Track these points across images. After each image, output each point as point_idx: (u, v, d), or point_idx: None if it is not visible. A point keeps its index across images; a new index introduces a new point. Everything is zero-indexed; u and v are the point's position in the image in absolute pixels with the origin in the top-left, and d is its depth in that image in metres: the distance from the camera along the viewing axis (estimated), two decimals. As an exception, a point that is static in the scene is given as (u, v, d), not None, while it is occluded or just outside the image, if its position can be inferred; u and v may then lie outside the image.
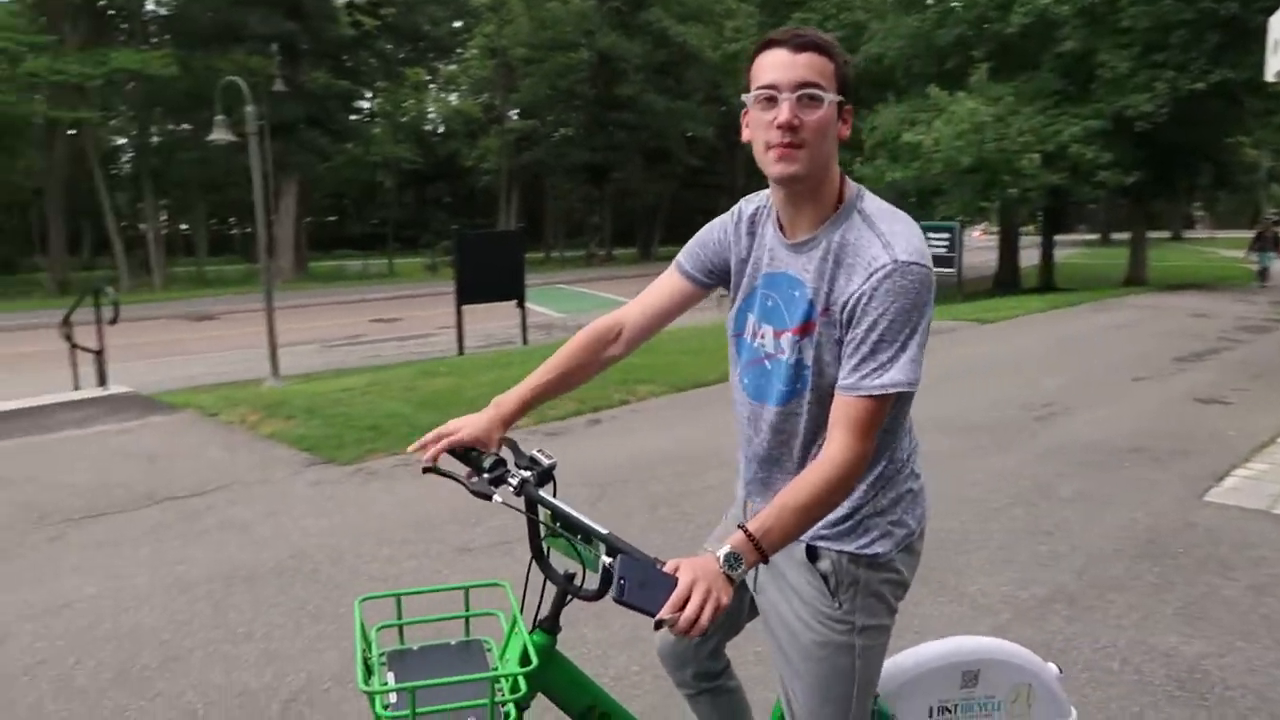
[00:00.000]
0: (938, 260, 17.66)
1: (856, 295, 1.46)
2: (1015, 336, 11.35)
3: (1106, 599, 3.64)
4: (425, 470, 1.64)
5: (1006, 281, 23.69)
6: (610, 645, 3.30)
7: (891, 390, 1.44)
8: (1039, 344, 10.54)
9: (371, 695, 1.47)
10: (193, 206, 39.25)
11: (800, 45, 1.47)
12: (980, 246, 33.75)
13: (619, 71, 36.42)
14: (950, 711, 1.92)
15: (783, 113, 1.46)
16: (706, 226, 1.77)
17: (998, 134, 17.44)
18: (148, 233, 30.92)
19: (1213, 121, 19.49)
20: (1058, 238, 25.83)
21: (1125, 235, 26.79)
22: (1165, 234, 54.62)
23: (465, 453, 1.66)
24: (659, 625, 1.34)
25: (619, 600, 1.36)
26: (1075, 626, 3.42)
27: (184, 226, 45.42)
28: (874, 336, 1.44)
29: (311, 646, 3.28)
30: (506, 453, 1.68)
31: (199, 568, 4.05)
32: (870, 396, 1.45)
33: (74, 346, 8.66)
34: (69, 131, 25.64)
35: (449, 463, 1.67)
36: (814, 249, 1.53)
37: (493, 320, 13.76)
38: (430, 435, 1.67)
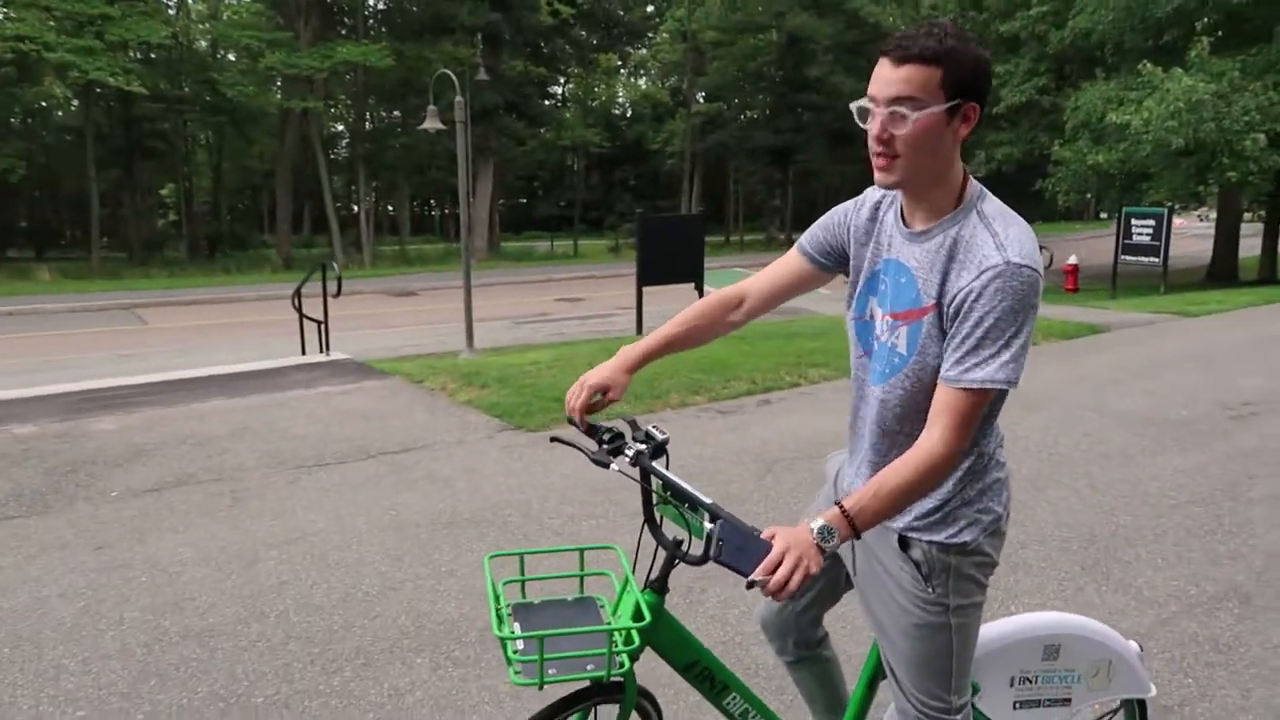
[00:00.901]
0: (1141, 249, 16.72)
1: (966, 290, 1.53)
2: (1220, 331, 10.60)
3: (1284, 601, 3.55)
4: (552, 440, 1.85)
5: (1221, 273, 21.89)
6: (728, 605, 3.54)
7: (991, 386, 1.52)
8: (1246, 340, 9.82)
9: (504, 641, 1.66)
10: (398, 188, 42.04)
11: (902, 57, 1.51)
12: (1196, 234, 31.20)
13: (808, 52, 35.96)
14: (1031, 682, 2.01)
15: (874, 126, 1.55)
16: (832, 210, 1.85)
17: (1217, 112, 16.12)
18: (359, 213, 33.43)
19: None
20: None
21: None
22: None
23: (592, 428, 1.86)
24: (750, 585, 1.46)
25: (716, 559, 1.52)
26: (1245, 625, 3.37)
27: (390, 207, 48.67)
28: (979, 332, 1.51)
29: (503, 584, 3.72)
30: (627, 428, 1.86)
31: (408, 513, 4.61)
32: (970, 389, 1.53)
33: (303, 317, 9.69)
34: (301, 115, 28.04)
35: (579, 438, 1.90)
36: (929, 240, 1.62)
37: (672, 301, 14.16)
38: (570, 393, 1.86)
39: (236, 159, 40.93)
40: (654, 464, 1.78)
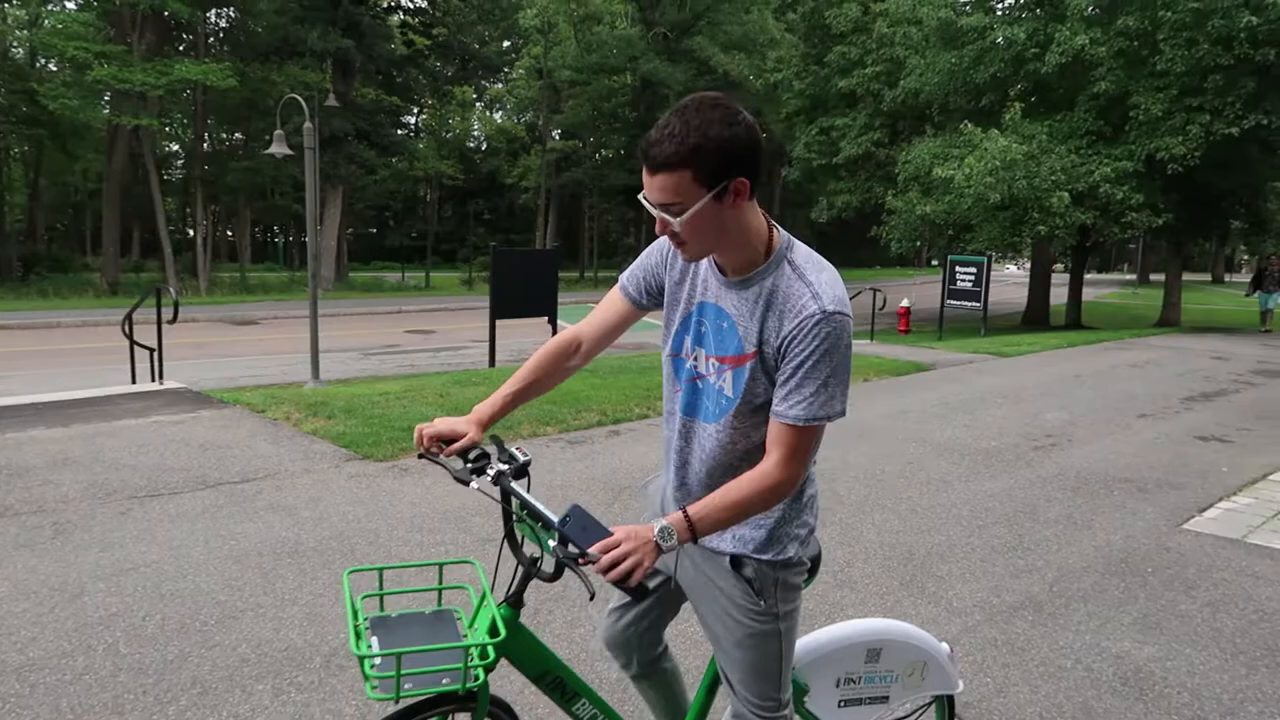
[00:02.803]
0: (965, 294, 18.01)
1: (788, 338, 1.68)
2: (1030, 371, 11.60)
3: (1070, 608, 3.97)
4: (420, 456, 1.93)
5: (1036, 318, 23.83)
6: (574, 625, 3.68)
7: (816, 422, 1.70)
8: (1052, 379, 10.78)
9: (361, 658, 1.70)
10: (238, 213, 40.35)
11: (653, 167, 1.61)
12: (1017, 281, 33.78)
13: (661, 96, 37.02)
14: (855, 682, 2.23)
15: (658, 225, 1.68)
16: (647, 250, 1.96)
17: (1028, 171, 17.69)
18: (195, 238, 31.87)
19: (1248, 166, 19.59)
20: (1096, 277, 25.96)
21: (1163, 276, 26.77)
22: (1206, 276, 54.22)
23: (464, 451, 1.91)
24: (588, 561, 1.59)
25: (561, 531, 1.66)
26: (1038, 630, 3.75)
27: (229, 233, 46.60)
28: (800, 374, 1.67)
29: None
30: (493, 449, 1.93)
31: (249, 542, 4.49)
32: (799, 425, 1.69)
33: (133, 343, 9.21)
34: (132, 133, 26.57)
35: (446, 459, 1.95)
36: (747, 290, 1.74)
37: (524, 336, 14.22)
38: (419, 430, 1.93)
39: (56, 175, 38.26)
40: (515, 484, 1.86)
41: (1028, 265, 27.17)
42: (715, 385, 1.81)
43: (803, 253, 1.76)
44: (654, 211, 1.67)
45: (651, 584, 1.64)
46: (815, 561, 1.99)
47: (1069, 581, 4.27)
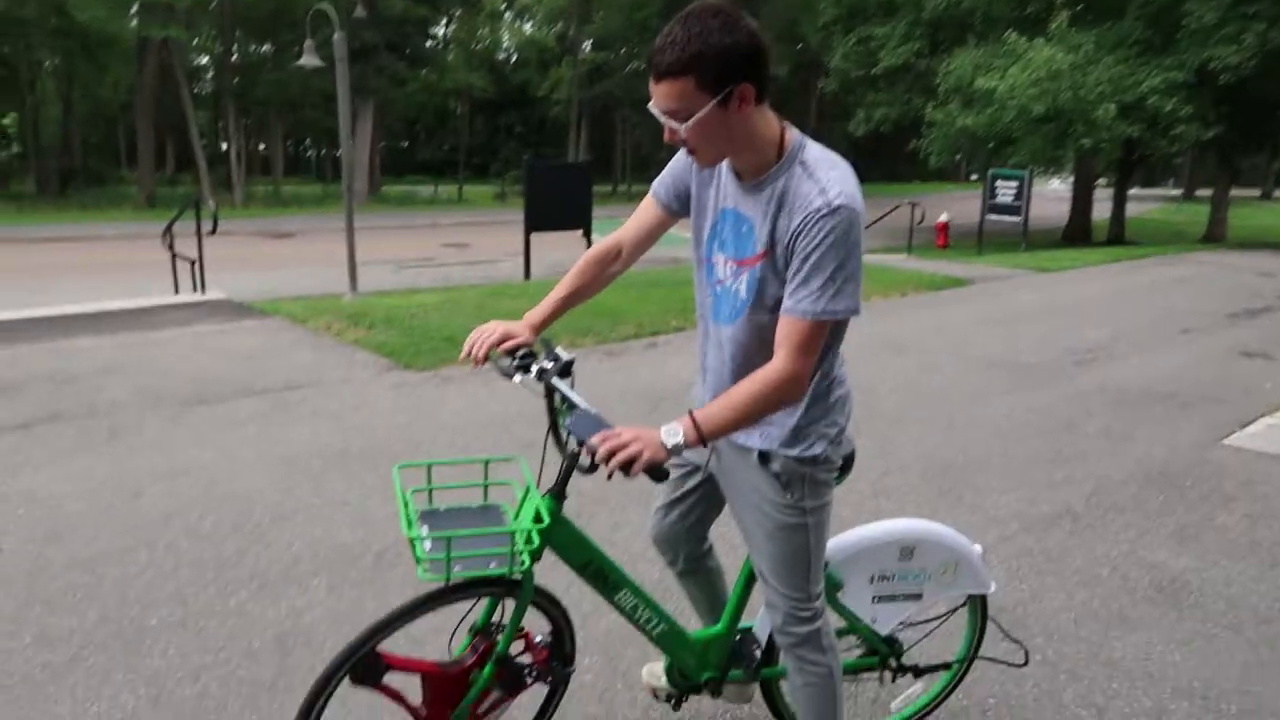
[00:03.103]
0: (1005, 208, 17.64)
1: (795, 233, 1.68)
2: (1071, 286, 11.42)
3: (1108, 519, 3.99)
4: (469, 356, 2.00)
5: (1076, 233, 23.35)
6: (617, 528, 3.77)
7: (824, 317, 1.70)
8: (1094, 294, 10.62)
9: (413, 540, 1.78)
10: (270, 127, 40.19)
11: (658, 75, 1.64)
12: (1058, 197, 33.01)
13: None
14: (888, 579, 2.27)
15: (666, 133, 1.71)
16: (676, 156, 1.95)
17: (1074, 82, 17.10)
18: (229, 150, 31.87)
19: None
20: (1138, 192, 25.26)
21: (1209, 192, 26.04)
22: (1255, 191, 52.59)
23: (513, 350, 2.00)
24: (590, 451, 1.68)
25: (569, 429, 1.78)
26: (1075, 539, 3.78)
27: (261, 146, 46.53)
28: (807, 268, 1.67)
29: (398, 513, 3.80)
30: (541, 348, 2.01)
31: (297, 447, 4.61)
32: (806, 319, 1.68)
33: (174, 255, 9.31)
34: (161, 44, 26.38)
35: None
36: (760, 192, 1.75)
37: (559, 249, 14.18)
38: (472, 334, 1.99)
39: (89, 89, 38.14)
40: (558, 381, 1.94)
41: (1070, 180, 26.49)
42: (732, 288, 1.84)
43: (815, 152, 1.75)
44: (661, 119, 1.68)
45: (671, 473, 1.71)
46: (848, 460, 2.02)
47: (1107, 493, 4.28)
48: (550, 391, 1.95)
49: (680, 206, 1.99)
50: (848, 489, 4.19)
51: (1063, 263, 14.03)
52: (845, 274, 1.68)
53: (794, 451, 1.89)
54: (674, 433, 1.69)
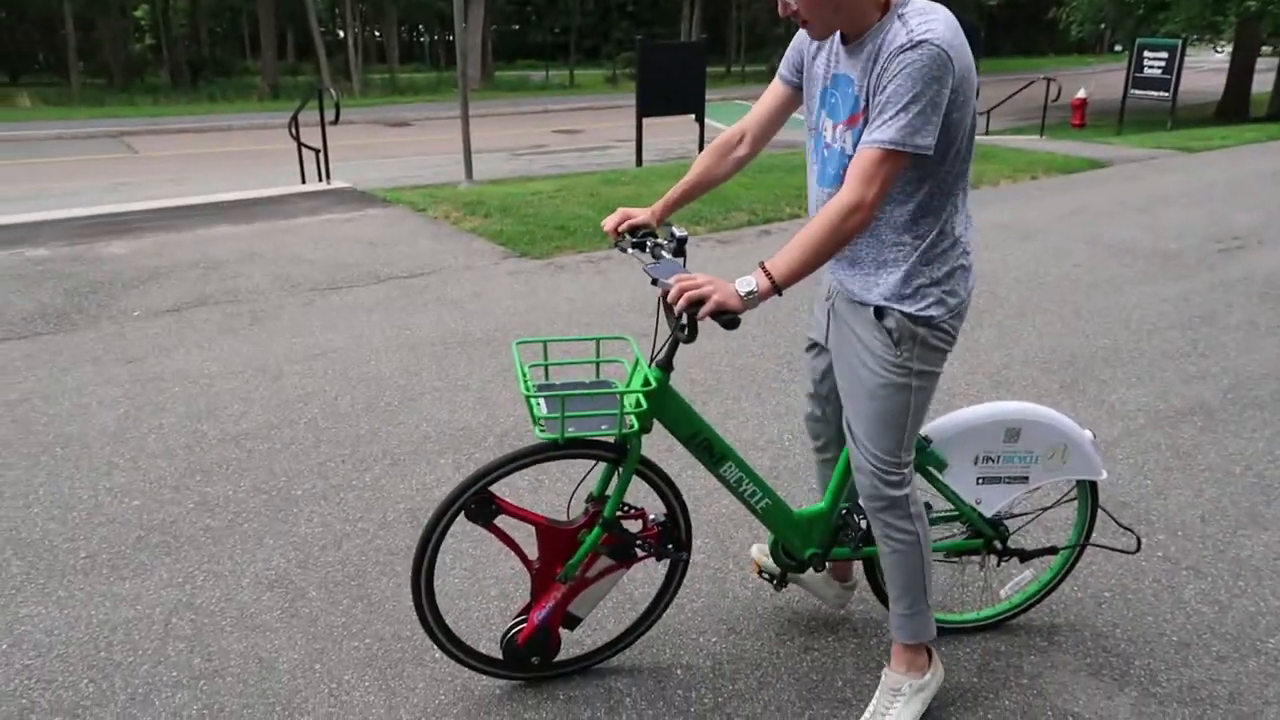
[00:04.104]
0: (1152, 82, 16.31)
1: (880, 73, 1.71)
2: (1220, 167, 10.59)
3: (1245, 415, 3.81)
4: (613, 243, 2.20)
5: (1232, 109, 21.48)
6: (765, 417, 3.81)
7: (891, 147, 1.69)
8: (1244, 177, 9.83)
9: (529, 400, 1.94)
10: (385, 13, 40.25)
11: None
12: (1215, 68, 30.26)
13: None
14: (993, 461, 2.24)
15: (780, 7, 1.76)
16: (797, 34, 2.00)
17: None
18: (346, 39, 32.20)
19: None
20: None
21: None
22: None
23: (634, 230, 2.16)
24: (665, 289, 1.77)
25: (650, 273, 1.89)
26: (1206, 435, 3.64)
27: (377, 33, 46.76)
28: (883, 99, 1.69)
29: (518, 397, 3.96)
30: (661, 231, 2.14)
31: (421, 332, 4.81)
32: (874, 148, 1.69)
33: (300, 145, 9.60)
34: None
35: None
36: (861, 51, 1.78)
37: (671, 135, 13.97)
38: (612, 217, 2.19)
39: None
40: (671, 257, 2.03)
41: (1229, 50, 24.20)
42: (838, 149, 1.87)
43: (916, 4, 1.75)
44: None
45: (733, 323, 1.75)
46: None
47: (1245, 389, 4.08)
48: (655, 265, 2.01)
49: (798, 80, 2.03)
50: (965, 380, 4.14)
51: (1212, 142, 12.97)
52: (920, 106, 1.68)
53: (910, 308, 1.90)
54: (747, 282, 1.74)
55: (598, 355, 2.13)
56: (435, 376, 4.23)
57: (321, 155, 9.49)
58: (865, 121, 1.77)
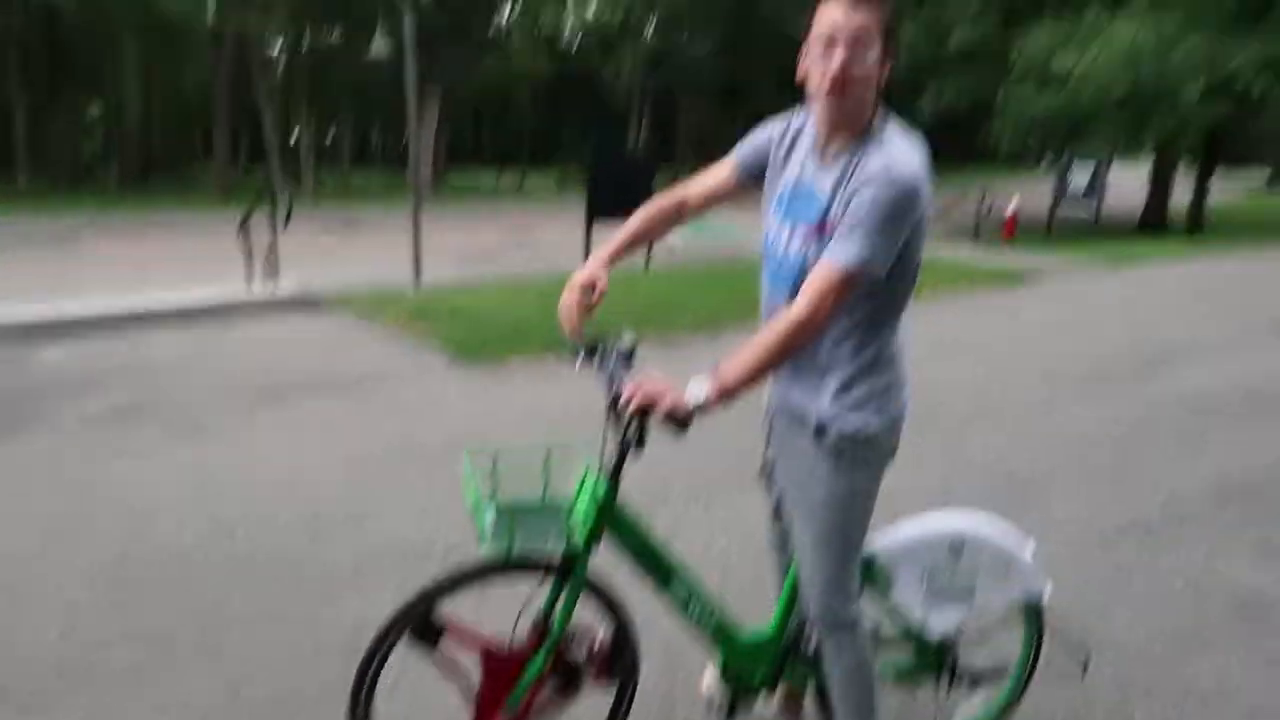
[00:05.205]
0: (1077, 196, 17.05)
1: (851, 194, 1.78)
2: (1146, 281, 11.07)
3: (1183, 530, 3.89)
4: (572, 345, 2.11)
5: (1153, 222, 22.55)
6: (714, 530, 3.78)
7: (852, 267, 1.74)
8: (1170, 290, 10.29)
9: (477, 515, 1.93)
10: (338, 116, 40.93)
11: (856, 1, 1.77)
12: (1136, 182, 31.88)
13: (759, -9, 35.64)
14: (938, 578, 2.24)
15: (836, 59, 1.76)
16: (759, 128, 2.07)
17: (1157, 61, 16.46)
18: (298, 141, 32.55)
19: None
20: (1224, 176, 24.21)
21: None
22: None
23: (590, 346, 2.07)
24: (617, 392, 1.80)
25: (606, 375, 1.92)
26: (1147, 553, 3.69)
27: (329, 136, 47.39)
28: (851, 221, 1.75)
29: (466, 511, 3.87)
30: (611, 340, 2.06)
31: (366, 442, 4.73)
32: (834, 266, 1.75)
33: (249, 247, 9.56)
34: (237, 35, 26.96)
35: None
36: (836, 166, 1.84)
37: (621, 239, 14.18)
38: (563, 305, 2.07)
39: (168, 79, 39.30)
40: (620, 367, 2.00)
41: (1149, 166, 25.60)
42: (796, 256, 1.90)
43: (894, 131, 1.84)
44: (841, 47, 1.76)
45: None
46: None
47: (1181, 504, 4.17)
48: (610, 379, 1.97)
49: (751, 179, 2.07)
50: (909, 493, 4.15)
51: (1137, 254, 13.60)
52: (883, 234, 1.74)
53: (849, 423, 1.93)
54: (699, 387, 1.76)
55: (547, 466, 2.12)
56: (380, 489, 4.15)
57: (270, 257, 9.46)
58: (830, 234, 1.81)
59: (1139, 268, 12.33)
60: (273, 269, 9.48)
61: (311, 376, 5.91)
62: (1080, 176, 17.38)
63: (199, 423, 4.99)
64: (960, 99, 23.62)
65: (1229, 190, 36.22)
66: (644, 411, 1.74)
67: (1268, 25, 17.09)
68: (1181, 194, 23.69)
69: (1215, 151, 22.54)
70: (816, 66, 1.81)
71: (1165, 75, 16.51)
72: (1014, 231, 18.44)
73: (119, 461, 4.41)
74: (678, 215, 2.20)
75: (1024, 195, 23.22)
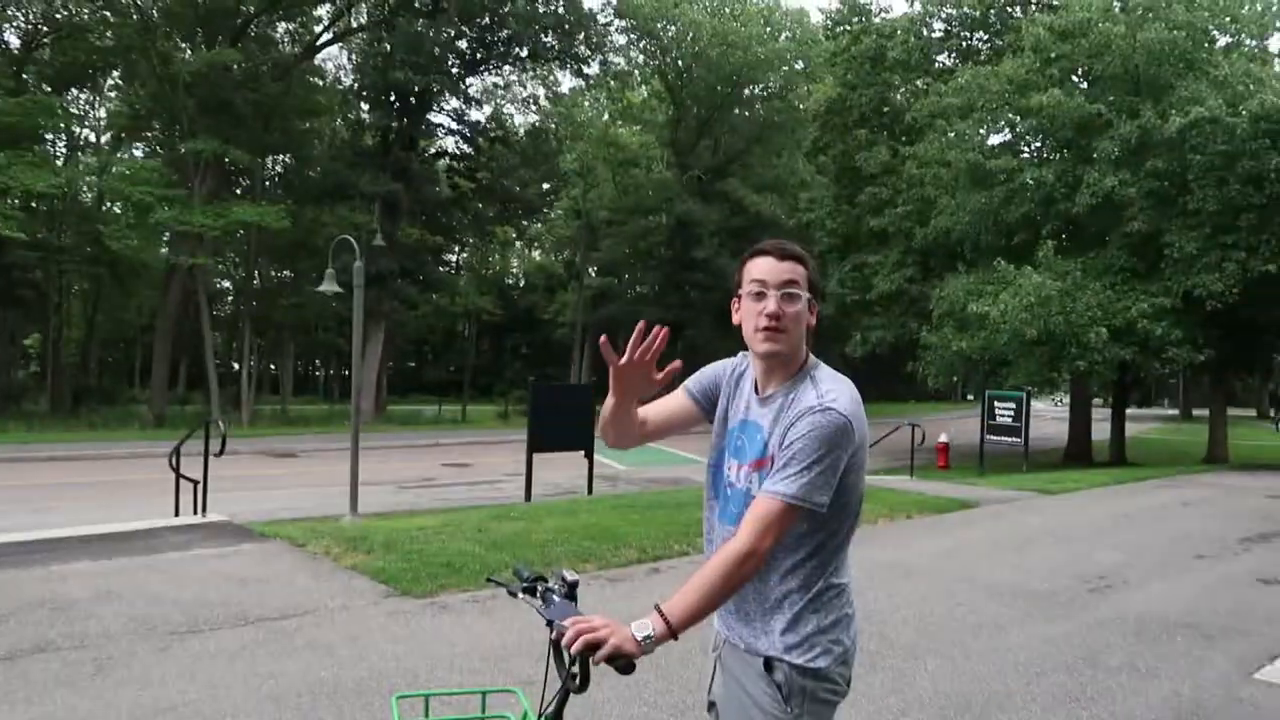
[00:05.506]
0: (1005, 429, 17.77)
1: (787, 428, 1.88)
2: (1077, 509, 11.32)
3: (1142, 765, 3.76)
4: (487, 580, 2.15)
5: (1077, 454, 23.40)
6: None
7: (793, 501, 1.80)
8: (1101, 517, 10.52)
9: None
10: (283, 347, 41.42)
11: (784, 255, 1.95)
12: (1056, 416, 33.37)
13: (695, 235, 38.04)
14: None
15: (770, 304, 1.92)
16: (713, 364, 2.19)
17: (1064, 307, 17.74)
18: (241, 371, 32.65)
19: (1289, 301, 19.58)
20: (1136, 411, 25.53)
21: (1206, 411, 26.35)
22: (1251, 411, 53.15)
23: (529, 582, 2.04)
24: (560, 632, 1.74)
25: (545, 615, 1.84)
26: (1109, 789, 3.54)
27: (272, 366, 47.70)
28: (788, 455, 1.84)
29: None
30: (551, 577, 2.04)
31: (288, 681, 4.43)
32: (775, 500, 1.80)
33: (179, 476, 9.33)
34: (187, 271, 27.58)
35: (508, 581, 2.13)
36: (774, 403, 1.96)
37: (561, 470, 14.22)
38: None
39: (112, 311, 39.70)
40: (559, 601, 1.95)
41: (1065, 401, 26.87)
42: (742, 489, 1.97)
43: (825, 371, 1.97)
44: (773, 293, 1.92)
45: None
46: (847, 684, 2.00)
47: (1138, 736, 4.06)
48: (550, 621, 1.92)
49: (708, 407, 2.14)
50: (864, 732, 3.99)
51: (1066, 484, 13.99)
52: (822, 468, 1.81)
53: (799, 659, 1.89)
54: (644, 626, 1.74)
55: (484, 710, 2.02)
56: (298, 734, 3.84)
57: (200, 486, 9.21)
58: (770, 466, 1.88)
59: (1070, 496, 12.64)
60: (203, 497, 9.21)
61: (232, 609, 5.61)
62: (1005, 411, 18.14)
63: (105, 661, 4.64)
64: (884, 343, 25.02)
65: (1143, 425, 37.99)
66: (589, 651, 1.70)
67: (1155, 280, 18.68)
68: (1101, 430, 24.76)
69: (1128, 389, 23.83)
70: (750, 314, 1.95)
71: (1072, 320, 17.73)
72: (947, 462, 18.92)
73: (9, 709, 4.04)
74: (641, 426, 2.20)
75: (955, 428, 24.08)
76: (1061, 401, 26.94)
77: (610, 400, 2.08)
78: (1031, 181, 19.88)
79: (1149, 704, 4.45)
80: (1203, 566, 7.77)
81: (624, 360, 1.97)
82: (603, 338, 2.09)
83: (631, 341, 1.97)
